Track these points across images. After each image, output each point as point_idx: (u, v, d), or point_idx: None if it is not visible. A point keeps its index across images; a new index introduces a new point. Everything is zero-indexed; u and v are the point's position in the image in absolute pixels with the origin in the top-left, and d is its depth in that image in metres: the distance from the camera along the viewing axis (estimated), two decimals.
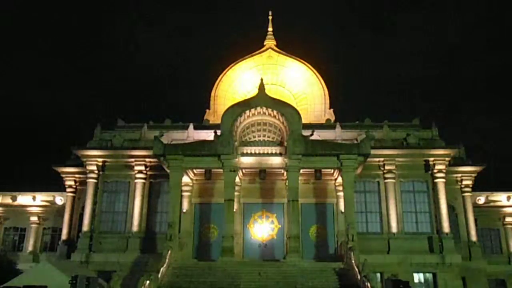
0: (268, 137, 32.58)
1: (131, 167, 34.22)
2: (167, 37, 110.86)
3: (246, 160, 31.88)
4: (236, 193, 31.74)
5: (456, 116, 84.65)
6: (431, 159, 33.40)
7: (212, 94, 44.73)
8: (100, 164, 34.27)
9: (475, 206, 36.10)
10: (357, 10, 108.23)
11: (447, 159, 33.45)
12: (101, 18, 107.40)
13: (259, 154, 32.00)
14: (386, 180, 33.51)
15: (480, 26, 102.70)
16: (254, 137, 32.67)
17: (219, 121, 32.29)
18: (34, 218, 39.42)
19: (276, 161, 31.78)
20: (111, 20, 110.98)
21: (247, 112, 31.65)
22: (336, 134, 34.66)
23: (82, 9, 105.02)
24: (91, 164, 34.15)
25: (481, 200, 37.84)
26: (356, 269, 25.93)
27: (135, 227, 33.11)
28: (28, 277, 24.88)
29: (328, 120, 41.36)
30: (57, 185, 38.58)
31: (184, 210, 33.35)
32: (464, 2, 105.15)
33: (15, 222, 39.92)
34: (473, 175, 35.48)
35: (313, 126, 34.56)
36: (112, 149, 34.61)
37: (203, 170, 32.92)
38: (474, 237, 34.22)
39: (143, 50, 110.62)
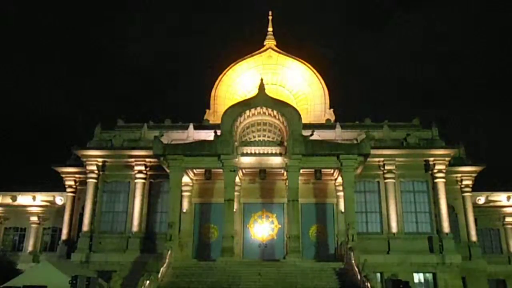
0: (268, 137, 32.57)
1: (131, 167, 34.22)
2: (167, 37, 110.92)
3: (246, 160, 31.88)
4: (236, 193, 31.73)
5: (456, 116, 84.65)
6: (431, 159, 33.39)
7: (212, 94, 44.71)
8: (100, 164, 34.26)
9: (475, 206, 36.09)
10: (356, 10, 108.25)
11: (447, 159, 33.45)
12: (101, 17, 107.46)
13: (259, 154, 32.00)
14: (386, 180, 33.50)
15: (481, 24, 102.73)
16: (254, 137, 32.66)
17: (219, 121, 32.28)
18: (34, 218, 39.41)
19: (276, 161, 31.77)
20: (111, 20, 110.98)
21: (247, 112, 31.65)
22: (336, 134, 34.66)
23: (82, 8, 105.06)
24: (91, 164, 34.15)
25: (481, 200, 37.83)
26: (356, 269, 25.93)
27: (135, 227, 33.10)
28: (28, 277, 24.87)
29: (328, 120, 41.33)
30: (57, 185, 38.57)
31: (184, 210, 33.34)
32: (464, 1, 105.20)
33: (15, 222, 39.93)
34: (473, 175, 35.49)
35: (313, 126, 34.56)
36: (112, 149, 34.60)
37: (203, 170, 32.92)
38: (474, 237, 34.21)
39: (143, 50, 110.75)
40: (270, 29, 48.27)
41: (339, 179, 32.08)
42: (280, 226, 33.43)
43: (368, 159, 31.24)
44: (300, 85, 45.04)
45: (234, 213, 31.29)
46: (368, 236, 32.34)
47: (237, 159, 31.05)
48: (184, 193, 33.43)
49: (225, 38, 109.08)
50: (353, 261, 26.77)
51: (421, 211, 33.26)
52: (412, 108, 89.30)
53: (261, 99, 31.84)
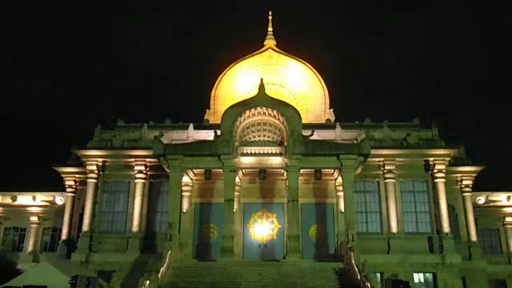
0: (268, 137, 32.54)
1: (131, 167, 34.21)
2: (167, 37, 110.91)
3: (246, 160, 31.86)
4: (236, 193, 31.71)
5: (456, 116, 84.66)
6: (431, 159, 33.38)
7: (212, 94, 44.74)
8: (100, 164, 34.25)
9: (475, 206, 36.09)
10: (357, 10, 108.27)
11: (447, 159, 33.44)
12: (101, 18, 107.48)
13: (259, 154, 31.97)
14: (386, 180, 33.49)
15: (480, 24, 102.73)
16: (254, 137, 32.64)
17: (219, 121, 32.26)
18: (34, 218, 39.42)
19: (276, 161, 31.75)
20: (111, 20, 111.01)
21: (247, 112, 31.63)
22: (336, 134, 34.67)
23: (82, 8, 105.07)
24: (91, 164, 34.14)
25: (481, 200, 37.85)
26: (356, 269, 25.91)
27: (135, 227, 33.09)
28: (28, 277, 24.86)
29: (328, 120, 41.35)
30: (57, 185, 38.61)
31: (184, 210, 33.34)
32: (464, 1, 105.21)
33: (15, 222, 39.94)
34: (473, 175, 35.48)
35: (313, 126, 34.60)
36: (112, 149, 34.60)
37: (203, 170, 32.91)
38: (474, 237, 34.20)
39: (142, 50, 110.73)
40: (270, 29, 48.31)
41: (339, 179, 32.07)
42: (280, 226, 33.43)
43: (368, 159, 31.23)
44: (300, 85, 45.05)
45: (234, 213, 31.27)
46: (368, 236, 32.34)
47: (237, 159, 31.03)
48: (184, 193, 33.42)
49: (225, 38, 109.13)
50: (353, 261, 26.75)
51: (421, 211, 33.26)
52: (412, 108, 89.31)
53: (261, 99, 31.82)
